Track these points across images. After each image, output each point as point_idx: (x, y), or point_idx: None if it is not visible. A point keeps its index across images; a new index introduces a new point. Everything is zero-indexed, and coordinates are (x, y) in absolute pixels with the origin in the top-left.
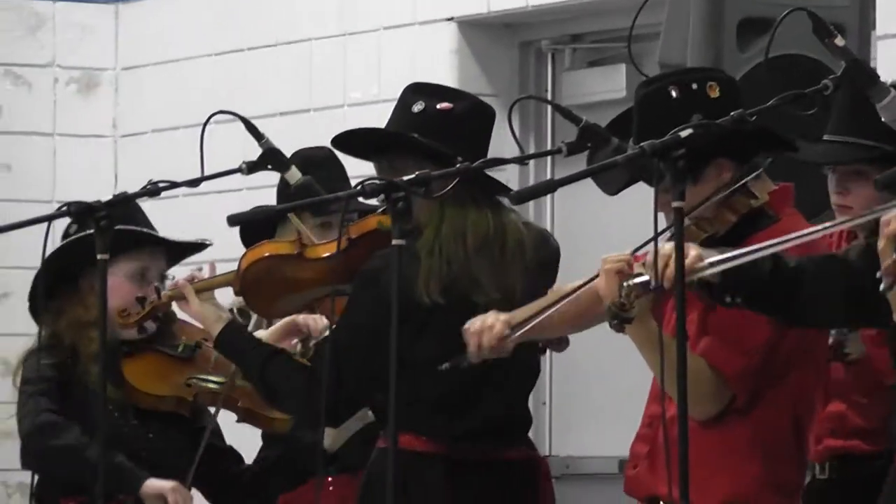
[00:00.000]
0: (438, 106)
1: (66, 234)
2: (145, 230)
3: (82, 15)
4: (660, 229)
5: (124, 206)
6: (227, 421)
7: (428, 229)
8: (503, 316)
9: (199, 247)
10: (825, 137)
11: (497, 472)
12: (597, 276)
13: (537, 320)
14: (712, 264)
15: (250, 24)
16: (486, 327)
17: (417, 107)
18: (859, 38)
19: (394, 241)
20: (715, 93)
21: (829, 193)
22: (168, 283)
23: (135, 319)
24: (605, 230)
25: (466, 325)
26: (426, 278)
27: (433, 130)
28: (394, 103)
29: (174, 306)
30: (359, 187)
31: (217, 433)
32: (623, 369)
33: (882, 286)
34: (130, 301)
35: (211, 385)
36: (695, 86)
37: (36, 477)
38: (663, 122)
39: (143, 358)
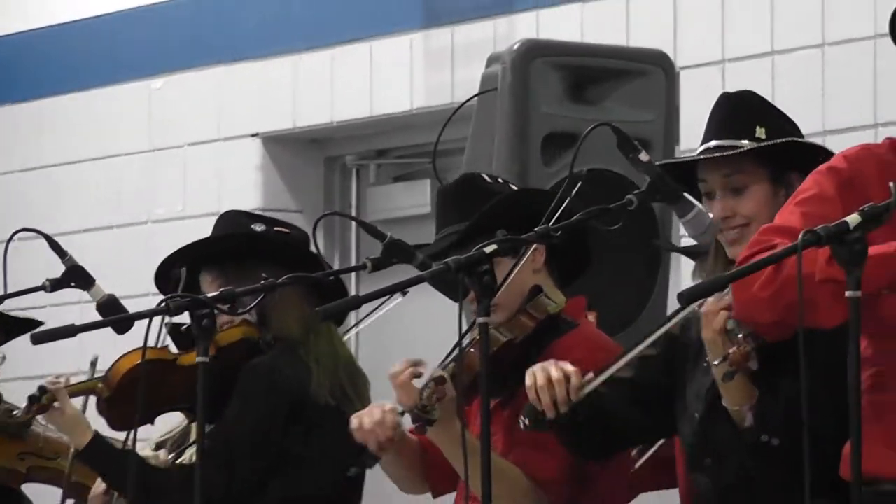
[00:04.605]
0: (276, 228)
1: None
2: None
3: None
4: (462, 337)
5: None
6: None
7: (308, 339)
8: (387, 405)
9: (33, 324)
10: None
11: None
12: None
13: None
14: (596, 376)
15: (56, 139)
16: (377, 423)
17: (258, 227)
18: (664, 153)
19: (198, 359)
20: None
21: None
22: None
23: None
24: (410, 345)
25: (354, 425)
26: (318, 380)
27: (280, 248)
28: (200, 219)
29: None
30: (162, 304)
31: None
32: None
33: (722, 377)
34: None
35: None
36: None
37: None
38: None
39: None
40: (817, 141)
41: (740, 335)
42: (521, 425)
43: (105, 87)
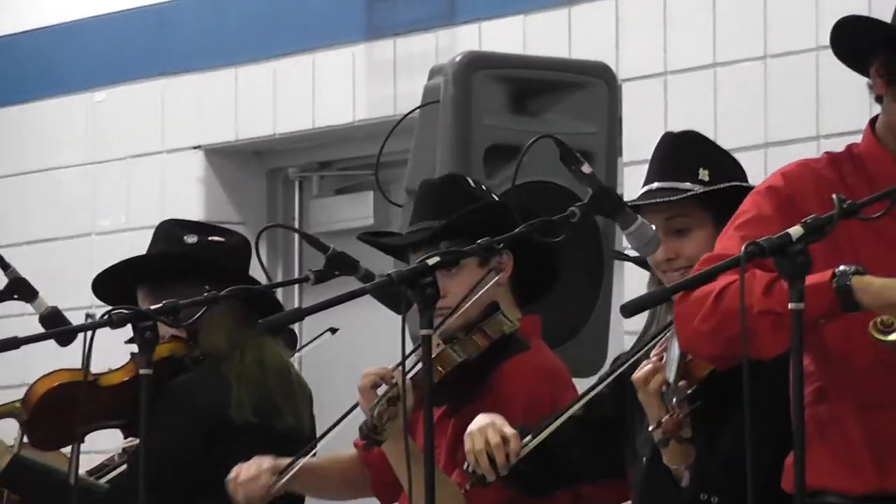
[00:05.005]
0: (210, 238)
1: None
2: None
3: None
4: (408, 355)
5: None
6: None
7: (234, 354)
8: (266, 464)
9: None
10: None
11: None
12: None
13: (299, 466)
14: (533, 437)
15: None
16: (250, 479)
17: (190, 238)
18: (606, 165)
19: (142, 371)
20: None
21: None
22: None
23: None
24: (354, 359)
25: (232, 475)
26: (238, 400)
27: (213, 259)
28: (143, 231)
29: None
30: (105, 317)
31: None
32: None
33: (657, 442)
34: None
35: None
36: None
37: None
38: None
39: None
40: (759, 153)
41: (674, 400)
42: (465, 484)
43: (47, 99)
